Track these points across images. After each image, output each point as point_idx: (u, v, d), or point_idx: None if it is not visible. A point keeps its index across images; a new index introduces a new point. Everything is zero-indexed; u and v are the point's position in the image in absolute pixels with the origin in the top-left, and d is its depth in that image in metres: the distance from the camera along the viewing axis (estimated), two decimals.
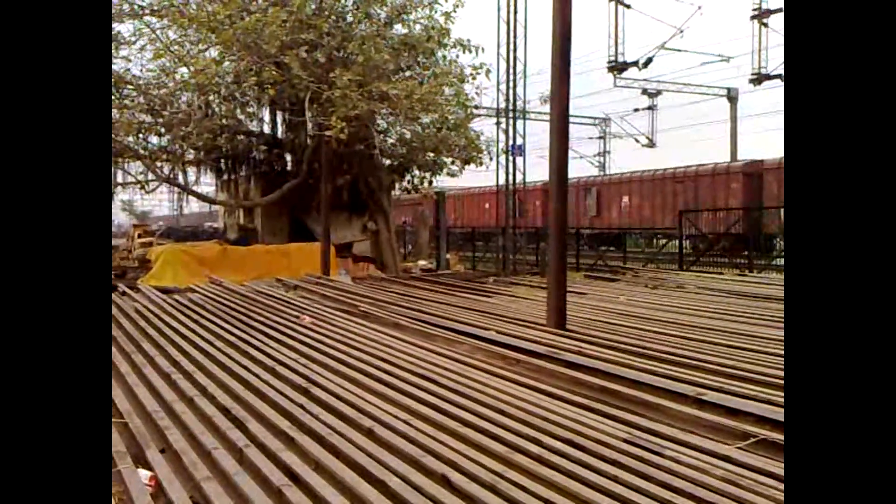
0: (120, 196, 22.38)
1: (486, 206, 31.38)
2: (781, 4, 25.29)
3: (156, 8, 12.83)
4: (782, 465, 3.80)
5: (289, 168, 17.94)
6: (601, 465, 3.81)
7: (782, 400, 4.93)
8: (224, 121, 15.29)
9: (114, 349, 6.93)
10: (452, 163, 16.87)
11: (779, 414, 4.58)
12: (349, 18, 14.57)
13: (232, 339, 7.54)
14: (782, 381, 5.46)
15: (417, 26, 15.25)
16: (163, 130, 14.64)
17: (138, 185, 16.26)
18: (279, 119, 17.67)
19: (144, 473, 3.75)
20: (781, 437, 4.17)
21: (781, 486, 3.49)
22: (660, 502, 3.37)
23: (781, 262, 16.70)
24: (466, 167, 16.98)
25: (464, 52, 15.23)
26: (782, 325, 8.17)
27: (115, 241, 19.23)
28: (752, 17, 26.57)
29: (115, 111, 12.37)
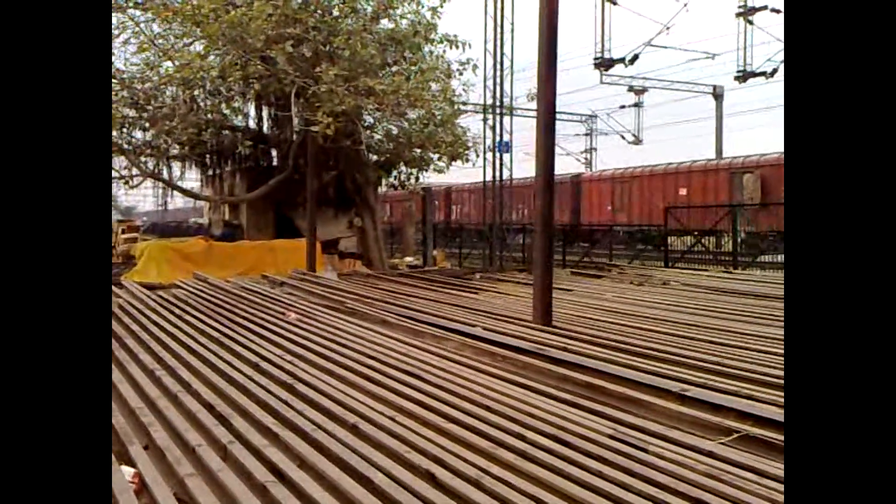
0: None
1: (682, 191, 23.17)
2: (766, 2, 25.48)
3: (139, 0, 12.71)
4: (764, 460, 3.84)
5: (274, 164, 17.84)
6: (586, 460, 3.82)
7: (765, 396, 4.98)
8: (209, 116, 15.18)
9: None
10: (439, 159, 16.85)
11: (761, 410, 4.62)
12: (335, 13, 14.49)
13: (216, 335, 7.50)
14: (765, 378, 5.52)
15: (404, 21, 15.20)
16: (147, 125, 14.52)
17: (122, 180, 16.12)
18: (265, 114, 17.57)
19: (128, 470, 3.72)
20: (763, 433, 4.22)
21: (763, 481, 3.53)
22: (644, 497, 3.39)
23: (765, 259, 16.83)
24: (453, 163, 16.99)
25: (451, 47, 15.20)
26: (766, 321, 8.24)
27: None
28: (738, 15, 26.73)
29: None
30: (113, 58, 13.20)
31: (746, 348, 6.69)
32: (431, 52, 15.61)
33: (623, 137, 37.85)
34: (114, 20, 12.86)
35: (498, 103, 16.99)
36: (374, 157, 17.36)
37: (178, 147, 16.09)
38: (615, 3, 26.16)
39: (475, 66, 15.77)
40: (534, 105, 10.27)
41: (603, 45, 26.50)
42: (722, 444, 4.14)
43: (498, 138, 17.06)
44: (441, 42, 15.30)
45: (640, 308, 9.51)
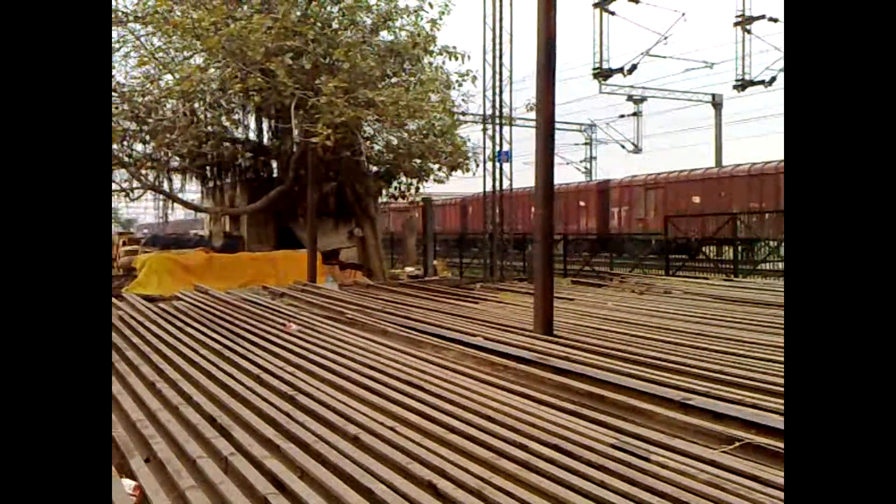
0: None
1: None
2: (764, 11, 25.61)
3: (140, 14, 12.77)
4: (767, 468, 3.83)
5: (275, 175, 17.89)
6: (588, 470, 3.81)
7: (768, 404, 4.96)
8: (209, 128, 15.23)
9: None
10: (439, 169, 16.90)
11: (764, 418, 4.61)
12: (335, 25, 14.57)
13: (217, 347, 7.49)
14: (767, 385, 5.50)
15: (403, 33, 15.29)
16: (147, 138, 14.56)
17: (123, 193, 16.16)
18: (265, 126, 17.66)
19: (129, 483, 3.71)
20: (766, 441, 4.20)
21: (766, 490, 3.51)
22: None
23: (766, 267, 16.81)
24: (453, 173, 17.04)
25: (450, 58, 15.29)
26: (767, 329, 8.22)
27: None
28: (736, 24, 26.84)
29: None
30: (113, 71, 13.28)
31: (749, 356, 6.67)
32: (431, 64, 15.70)
33: (622, 146, 37.97)
34: (114, 34, 12.93)
35: (497, 113, 17.04)
36: (374, 168, 17.41)
37: (178, 159, 16.16)
38: (613, 14, 26.29)
39: (474, 77, 15.87)
40: (533, 115, 10.30)
41: (601, 55, 26.60)
42: (725, 452, 4.13)
43: (498, 148, 17.10)
44: (440, 54, 15.39)
45: (642, 317, 9.50)
